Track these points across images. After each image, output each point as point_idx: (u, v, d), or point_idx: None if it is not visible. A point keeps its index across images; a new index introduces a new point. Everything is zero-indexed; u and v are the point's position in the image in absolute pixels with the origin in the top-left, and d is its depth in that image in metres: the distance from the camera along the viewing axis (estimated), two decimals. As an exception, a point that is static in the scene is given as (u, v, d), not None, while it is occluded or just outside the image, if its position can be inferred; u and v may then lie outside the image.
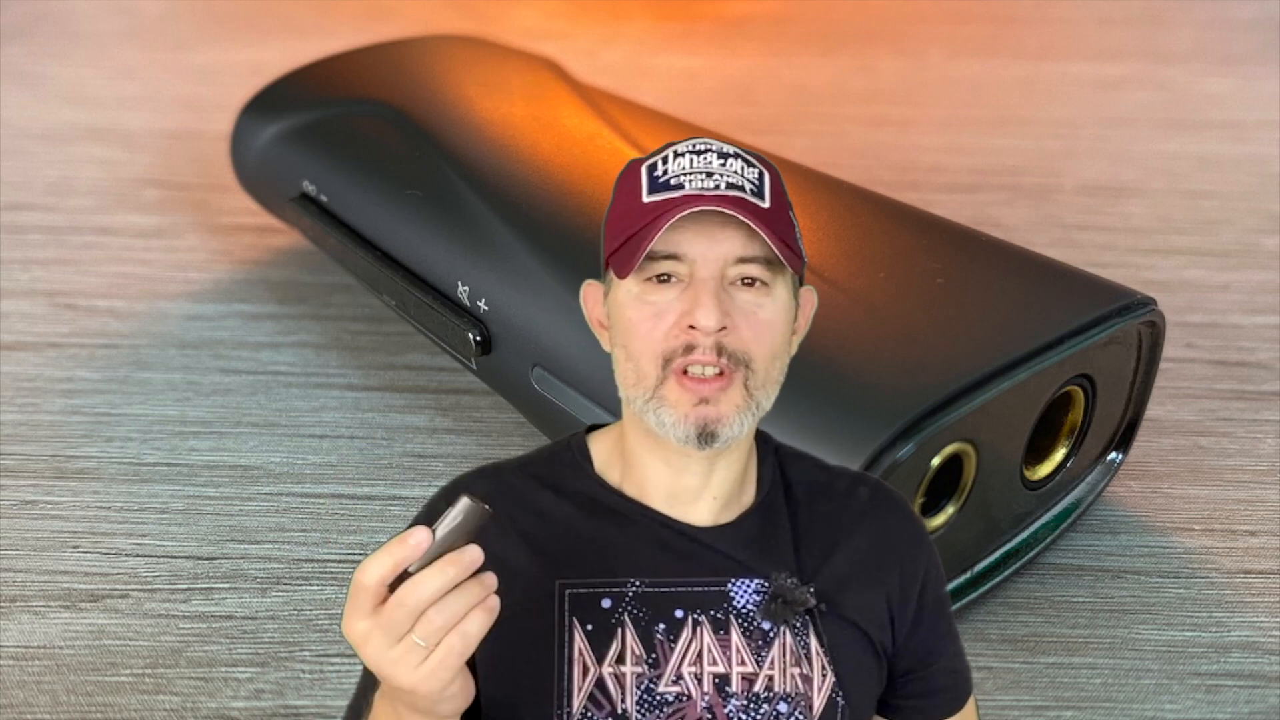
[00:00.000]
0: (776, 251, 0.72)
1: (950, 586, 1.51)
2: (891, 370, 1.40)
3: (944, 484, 1.44)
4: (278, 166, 2.21)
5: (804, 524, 0.80)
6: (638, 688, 0.75)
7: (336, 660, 1.49)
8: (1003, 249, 1.69)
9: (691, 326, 0.72)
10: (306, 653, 1.50)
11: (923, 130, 3.14)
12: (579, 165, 1.91)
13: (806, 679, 0.76)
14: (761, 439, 0.83)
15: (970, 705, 0.88)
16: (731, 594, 0.77)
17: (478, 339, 1.70)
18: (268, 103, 2.30)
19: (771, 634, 0.76)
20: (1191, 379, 2.06)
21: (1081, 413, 1.59)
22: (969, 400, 1.37)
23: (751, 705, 0.75)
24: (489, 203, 1.81)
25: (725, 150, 0.76)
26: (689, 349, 0.72)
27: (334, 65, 2.37)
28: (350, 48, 2.47)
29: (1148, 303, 1.57)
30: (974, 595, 1.53)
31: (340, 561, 1.66)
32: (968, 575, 1.54)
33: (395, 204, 1.94)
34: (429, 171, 1.94)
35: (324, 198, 2.07)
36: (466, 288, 1.73)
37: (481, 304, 1.71)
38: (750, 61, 3.66)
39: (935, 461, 1.38)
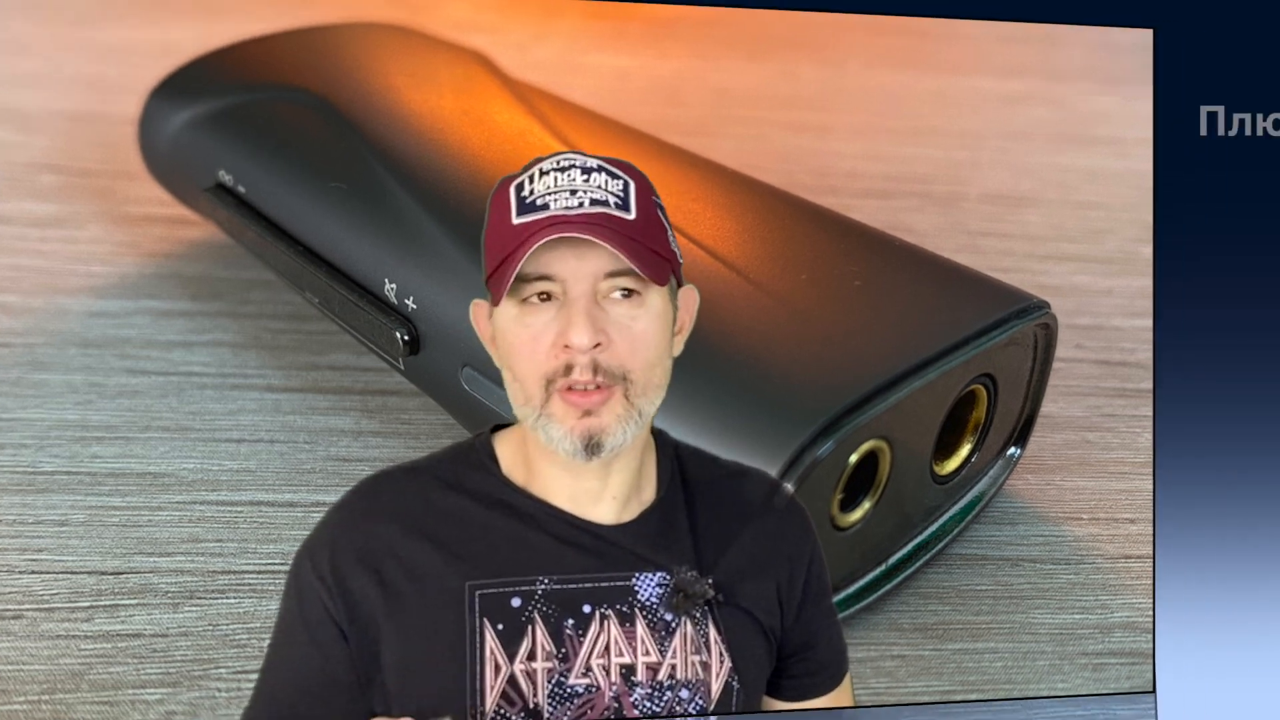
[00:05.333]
0: (635, 267, 0.77)
1: (866, 579, 1.58)
2: (813, 370, 1.45)
3: (861, 480, 1.50)
4: (191, 154, 2.12)
5: (702, 518, 0.86)
6: (549, 682, 0.79)
7: (255, 676, 1.44)
8: (915, 254, 1.76)
9: (567, 346, 0.76)
10: (223, 670, 1.45)
11: (841, 137, 3.23)
12: (510, 162, 1.86)
13: (706, 666, 0.83)
14: (659, 437, 0.88)
15: (847, 681, 0.97)
16: (636, 588, 0.82)
17: (405, 338, 1.66)
18: (181, 85, 2.20)
19: (673, 625, 0.82)
20: (1080, 378, 2.18)
21: (985, 410, 1.67)
22: (884, 399, 1.43)
23: (655, 693, 0.81)
24: (417, 197, 1.76)
25: (589, 165, 0.80)
26: (569, 369, 0.77)
27: (254, 48, 2.30)
28: (271, 31, 2.40)
29: (1043, 306, 1.66)
30: (888, 586, 1.59)
31: (259, 572, 1.60)
32: (882, 568, 1.60)
33: (318, 196, 1.88)
34: (354, 163, 1.88)
35: (242, 188, 1.99)
36: (394, 285, 1.69)
37: (409, 302, 1.67)
38: (679, 63, 3.71)
39: (853, 458, 1.43)
